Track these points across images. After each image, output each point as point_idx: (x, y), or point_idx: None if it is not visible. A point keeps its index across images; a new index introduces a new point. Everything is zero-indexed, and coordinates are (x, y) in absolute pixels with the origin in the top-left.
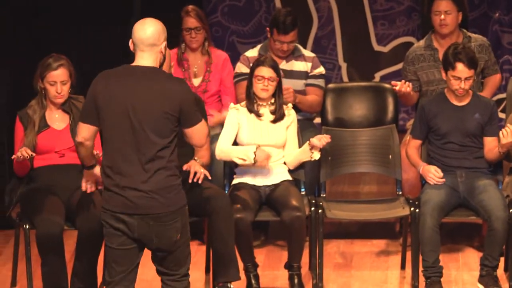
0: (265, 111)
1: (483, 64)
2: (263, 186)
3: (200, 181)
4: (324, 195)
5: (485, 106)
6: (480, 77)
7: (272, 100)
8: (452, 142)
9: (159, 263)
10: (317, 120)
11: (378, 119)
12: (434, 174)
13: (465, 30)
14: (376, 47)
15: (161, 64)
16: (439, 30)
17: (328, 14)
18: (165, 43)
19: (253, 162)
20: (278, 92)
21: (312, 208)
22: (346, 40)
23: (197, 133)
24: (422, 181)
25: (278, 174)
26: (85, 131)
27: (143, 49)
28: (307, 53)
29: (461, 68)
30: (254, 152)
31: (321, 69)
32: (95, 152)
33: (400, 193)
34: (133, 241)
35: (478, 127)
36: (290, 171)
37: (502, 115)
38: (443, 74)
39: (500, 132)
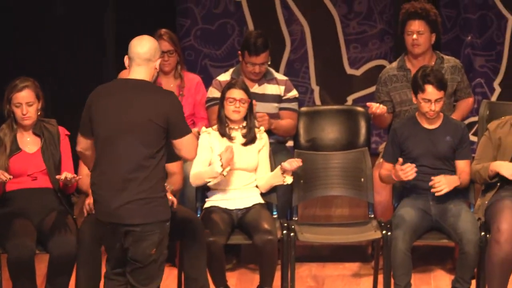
0: (237, 134)
1: (455, 86)
2: (235, 209)
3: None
4: (296, 218)
5: (456, 129)
6: (452, 99)
7: (244, 123)
8: (423, 165)
9: (130, 274)
10: (290, 143)
11: (350, 142)
12: (403, 168)
13: (438, 52)
14: (349, 70)
15: (154, 81)
16: (412, 50)
17: (301, 37)
18: (159, 60)
19: (221, 170)
20: (249, 114)
21: (284, 232)
22: (319, 63)
23: (186, 145)
24: (394, 204)
25: (250, 198)
26: (83, 142)
27: (139, 63)
28: (280, 76)
29: (430, 90)
30: (220, 160)
31: (294, 92)
32: (71, 176)
33: (372, 216)
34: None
35: (450, 150)
36: (262, 194)
37: (474, 138)
38: (413, 98)
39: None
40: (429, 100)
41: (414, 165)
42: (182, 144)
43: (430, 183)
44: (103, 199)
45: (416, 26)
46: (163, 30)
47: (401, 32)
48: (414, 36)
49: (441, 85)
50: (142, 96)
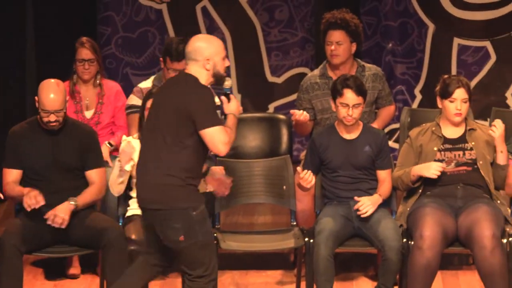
0: None
1: (376, 94)
2: None
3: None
4: (219, 226)
5: (375, 138)
6: (374, 107)
7: None
8: (343, 175)
9: (178, 260)
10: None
11: (272, 150)
12: (302, 177)
13: (359, 60)
14: (270, 78)
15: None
16: (330, 60)
17: None
18: (212, 61)
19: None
20: None
21: None
22: (240, 71)
23: (209, 138)
24: (317, 211)
25: None
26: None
27: (187, 62)
28: None
29: (349, 95)
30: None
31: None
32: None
33: (295, 223)
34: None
35: (369, 160)
36: None
37: (395, 145)
38: (332, 105)
39: None
40: (347, 105)
41: (310, 172)
42: (205, 136)
43: (355, 207)
44: (137, 186)
45: (336, 36)
46: (84, 38)
47: (323, 41)
48: (333, 46)
49: (359, 90)
50: (175, 89)
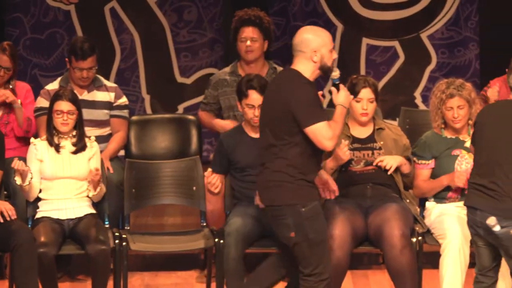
0: (66, 143)
1: None
2: (67, 219)
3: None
4: (128, 228)
5: None
6: None
7: (74, 133)
8: (252, 175)
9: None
10: (121, 152)
11: (182, 150)
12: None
13: (271, 62)
14: (179, 79)
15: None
16: (245, 57)
17: (131, 46)
18: (319, 53)
19: (19, 182)
20: (79, 124)
21: (116, 241)
22: (150, 72)
23: (312, 135)
24: (227, 212)
25: (81, 208)
26: None
27: (294, 53)
28: (109, 83)
29: (254, 96)
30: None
31: (124, 99)
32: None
33: (205, 224)
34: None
35: None
36: (93, 204)
37: None
38: (239, 106)
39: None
40: (253, 106)
41: (216, 176)
42: (309, 133)
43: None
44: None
45: (250, 32)
46: (6, 43)
47: (234, 39)
48: (248, 42)
49: (264, 90)
50: (277, 86)
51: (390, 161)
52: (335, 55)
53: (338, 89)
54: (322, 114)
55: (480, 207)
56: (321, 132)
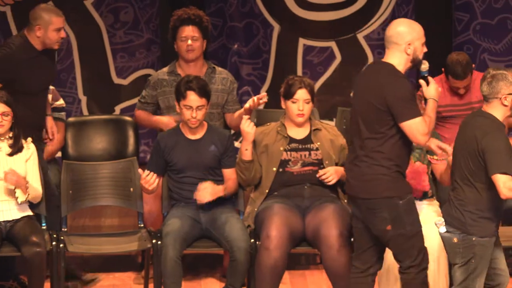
0: (3, 145)
1: (226, 97)
2: (3, 221)
3: None
4: (66, 229)
5: (220, 138)
6: (221, 110)
7: (10, 134)
8: (189, 176)
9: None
10: (58, 154)
11: (119, 152)
12: (144, 177)
13: (210, 62)
14: (116, 80)
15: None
16: (185, 56)
17: (67, 48)
18: (413, 46)
19: None
20: (15, 125)
21: (54, 243)
22: (86, 73)
23: (407, 130)
24: (164, 213)
25: (18, 210)
26: None
27: (387, 46)
28: None
29: (192, 97)
30: None
31: (61, 101)
32: None
33: (142, 225)
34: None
35: (215, 160)
36: (30, 206)
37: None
38: (177, 106)
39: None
40: (191, 107)
41: (152, 173)
42: (404, 128)
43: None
44: (347, 174)
45: (190, 31)
46: None
47: (173, 38)
48: (189, 41)
49: (202, 92)
50: (372, 79)
51: (333, 175)
52: (425, 49)
53: (427, 82)
54: (418, 109)
55: None
56: (417, 127)
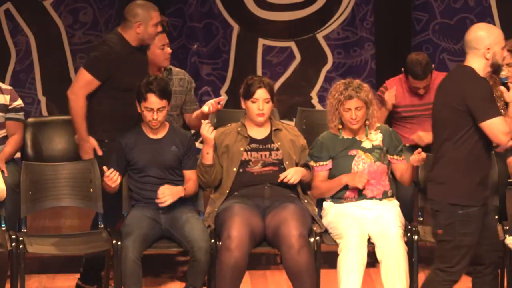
0: None
1: (184, 98)
2: None
3: None
4: (26, 230)
5: (182, 138)
6: (179, 111)
7: None
8: (149, 175)
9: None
10: (17, 154)
11: (78, 152)
12: (107, 175)
13: None
14: None
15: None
16: (163, 64)
17: (26, 48)
18: (492, 50)
19: None
20: None
21: (13, 244)
22: (45, 74)
23: (487, 130)
24: (124, 214)
25: None
26: None
27: (466, 50)
28: (4, 86)
29: (153, 99)
30: None
31: (20, 102)
32: None
33: (102, 226)
34: None
35: (176, 160)
36: None
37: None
38: (138, 108)
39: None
40: (151, 109)
41: (117, 173)
42: (484, 128)
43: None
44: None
45: (165, 39)
46: None
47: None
48: (168, 49)
49: (163, 94)
50: (451, 80)
51: (294, 176)
52: (505, 53)
53: (508, 88)
54: (498, 109)
55: None
56: (498, 127)
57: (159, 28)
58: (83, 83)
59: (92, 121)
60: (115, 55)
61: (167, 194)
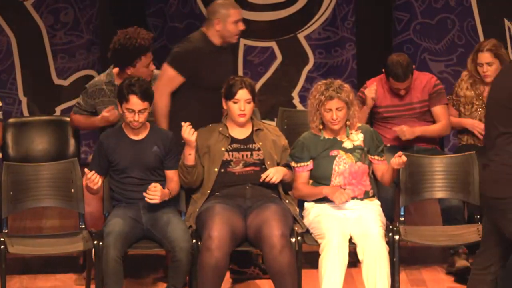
0: None
1: None
2: None
3: None
4: (7, 231)
5: (163, 138)
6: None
7: None
8: (131, 176)
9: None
10: None
11: (60, 153)
12: (88, 177)
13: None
14: (57, 81)
15: None
16: (146, 77)
17: (7, 48)
18: None
19: None
20: None
21: None
22: (26, 74)
23: None
24: (105, 214)
25: None
26: None
27: None
28: None
29: (134, 101)
30: None
31: None
32: None
33: (83, 226)
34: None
35: (157, 160)
36: None
37: None
38: (120, 109)
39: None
40: (133, 110)
41: (98, 175)
42: None
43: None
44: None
45: (148, 58)
46: None
47: (131, 63)
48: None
49: (145, 95)
50: (502, 79)
51: (276, 175)
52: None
53: None
54: None
55: None
56: None
57: (241, 26)
58: (166, 79)
59: (176, 120)
60: (198, 50)
61: (157, 195)
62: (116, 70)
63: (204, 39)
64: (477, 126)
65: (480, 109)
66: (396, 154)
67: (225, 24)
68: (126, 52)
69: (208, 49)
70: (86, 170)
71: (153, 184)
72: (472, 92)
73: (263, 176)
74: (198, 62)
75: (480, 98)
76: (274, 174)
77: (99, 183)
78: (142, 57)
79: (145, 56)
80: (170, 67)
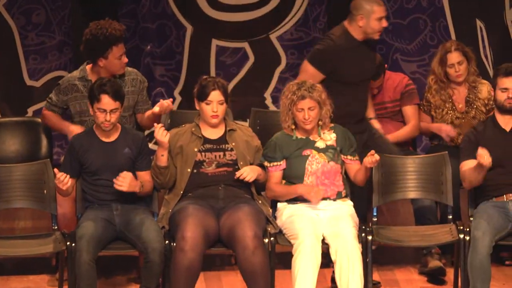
0: None
1: (136, 98)
2: None
3: None
4: None
5: (135, 139)
6: (132, 112)
7: None
8: (103, 179)
9: None
10: None
11: (32, 154)
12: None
13: None
14: (29, 82)
15: None
16: (119, 72)
17: None
18: None
19: None
20: None
21: None
22: None
23: None
24: (78, 215)
25: None
26: None
27: None
28: None
29: (106, 100)
30: None
31: None
32: None
33: (56, 227)
34: None
35: (129, 162)
36: None
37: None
38: (90, 109)
39: None
40: (105, 110)
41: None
42: None
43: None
44: None
45: (123, 48)
46: None
47: (102, 55)
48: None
49: (116, 95)
50: None
51: (250, 174)
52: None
53: None
54: None
55: None
56: None
57: (384, 23)
58: (307, 76)
59: None
60: (338, 48)
61: (126, 182)
62: (89, 66)
63: (345, 34)
64: (444, 129)
65: (451, 112)
66: (369, 153)
67: (368, 21)
68: (98, 42)
69: (348, 46)
70: (55, 170)
71: (124, 172)
72: (441, 95)
73: (238, 174)
74: (338, 60)
75: (450, 101)
76: (248, 173)
77: (69, 184)
78: (114, 48)
79: (117, 47)
80: (310, 64)
